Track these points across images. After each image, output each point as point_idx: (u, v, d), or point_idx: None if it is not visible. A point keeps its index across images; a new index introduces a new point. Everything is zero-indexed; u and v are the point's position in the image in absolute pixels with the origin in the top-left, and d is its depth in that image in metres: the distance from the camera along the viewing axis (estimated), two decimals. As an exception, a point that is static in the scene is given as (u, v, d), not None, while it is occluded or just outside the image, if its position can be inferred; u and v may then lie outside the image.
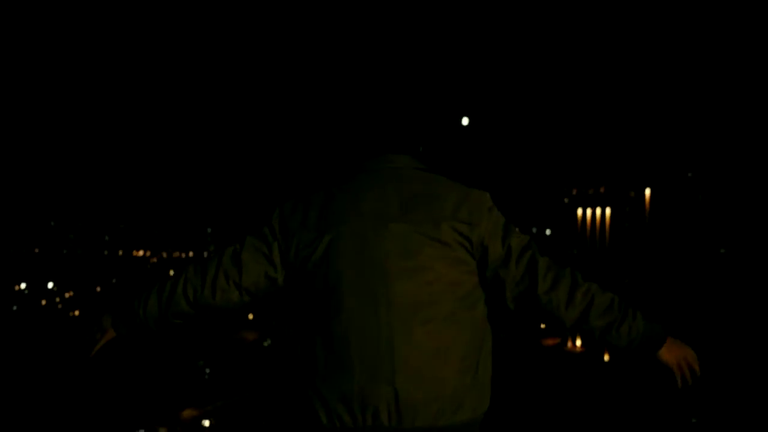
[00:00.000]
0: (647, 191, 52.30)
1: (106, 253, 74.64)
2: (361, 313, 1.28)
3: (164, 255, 77.78)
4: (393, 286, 1.27)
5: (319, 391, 1.30)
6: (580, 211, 61.03)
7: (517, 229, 1.37)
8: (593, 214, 59.43)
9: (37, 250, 69.25)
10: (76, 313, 62.31)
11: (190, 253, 78.61)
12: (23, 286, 63.20)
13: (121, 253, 75.84)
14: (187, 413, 47.93)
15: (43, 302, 62.11)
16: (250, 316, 65.78)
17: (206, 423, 43.91)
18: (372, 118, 1.41)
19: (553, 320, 1.34)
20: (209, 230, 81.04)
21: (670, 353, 1.39)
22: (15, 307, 58.18)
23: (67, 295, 64.57)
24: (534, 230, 72.53)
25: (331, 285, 1.30)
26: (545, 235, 71.26)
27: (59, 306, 62.15)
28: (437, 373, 1.28)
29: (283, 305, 1.40)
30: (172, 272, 1.47)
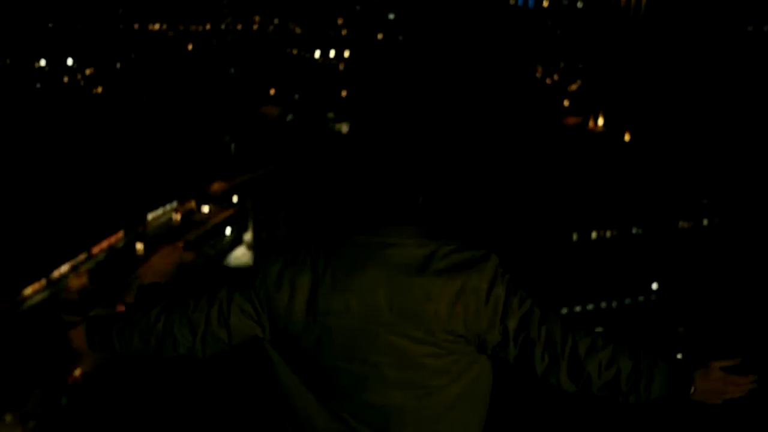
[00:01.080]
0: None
1: (121, 27, 72.96)
2: (355, 407, 1.34)
3: (181, 28, 75.99)
4: (387, 383, 1.32)
5: None
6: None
7: (516, 299, 1.33)
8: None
9: (51, 25, 67.71)
10: (99, 90, 62.50)
11: (207, 26, 76.59)
12: (43, 63, 62.75)
13: (137, 26, 74.09)
14: (216, 186, 50.13)
15: (65, 79, 62.13)
16: (272, 92, 65.75)
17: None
18: (363, 190, 1.32)
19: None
20: (225, 0, 78.17)
21: (706, 394, 1.34)
22: (38, 85, 58.46)
23: (87, 71, 64.30)
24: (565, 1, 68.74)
25: (324, 374, 1.35)
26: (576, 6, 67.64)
27: (81, 83, 62.30)
28: None
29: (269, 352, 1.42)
30: (154, 313, 1.42)
